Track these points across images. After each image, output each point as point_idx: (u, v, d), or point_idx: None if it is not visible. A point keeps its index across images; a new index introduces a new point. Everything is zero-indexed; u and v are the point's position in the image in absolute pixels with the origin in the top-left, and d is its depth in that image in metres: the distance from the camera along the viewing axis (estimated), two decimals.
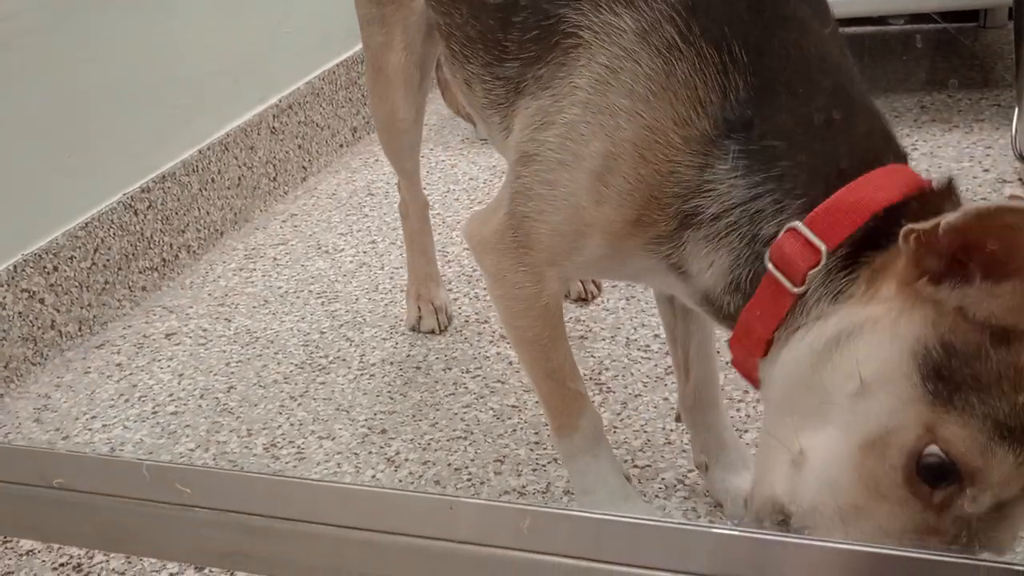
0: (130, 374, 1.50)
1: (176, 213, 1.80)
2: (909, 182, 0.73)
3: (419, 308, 1.51)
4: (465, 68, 1.01)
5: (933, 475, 0.62)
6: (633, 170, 0.79)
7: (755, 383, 0.80)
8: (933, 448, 0.62)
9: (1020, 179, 1.63)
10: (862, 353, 0.67)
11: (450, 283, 1.63)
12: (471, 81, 1.00)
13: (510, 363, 1.40)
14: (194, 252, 1.85)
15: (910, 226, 0.65)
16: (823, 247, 0.71)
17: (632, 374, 1.34)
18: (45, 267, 1.54)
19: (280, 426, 1.33)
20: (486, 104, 0.97)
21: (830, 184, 0.73)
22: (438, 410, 1.32)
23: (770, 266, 0.74)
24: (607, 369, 1.35)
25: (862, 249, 0.71)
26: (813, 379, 0.70)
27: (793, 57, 0.77)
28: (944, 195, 0.73)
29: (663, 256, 0.82)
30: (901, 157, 0.77)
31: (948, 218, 0.62)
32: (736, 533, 0.64)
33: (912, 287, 0.66)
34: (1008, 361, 0.61)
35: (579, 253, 0.86)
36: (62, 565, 1.12)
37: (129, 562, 1.10)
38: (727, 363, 1.31)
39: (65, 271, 1.57)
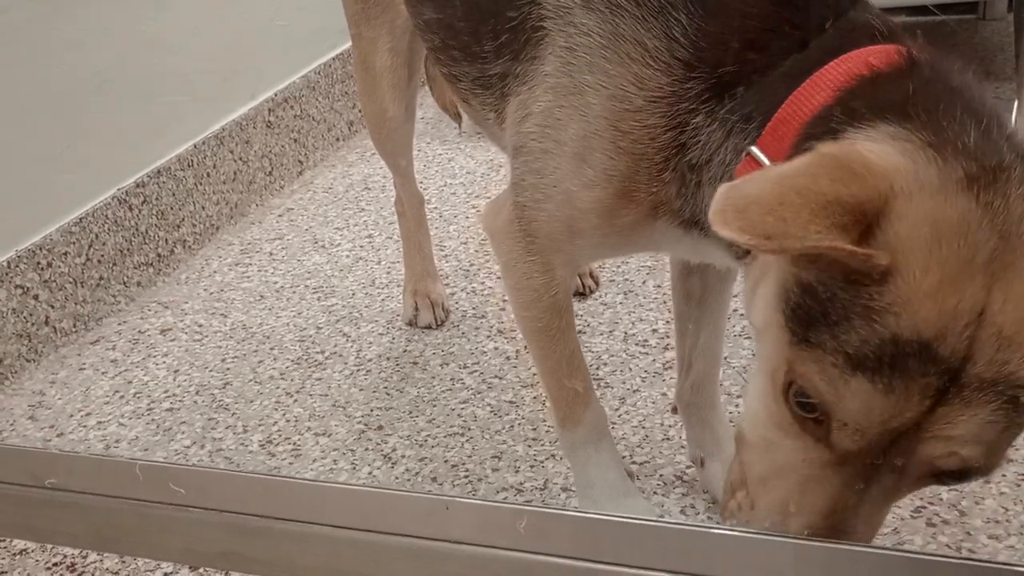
0: (125, 370, 1.49)
1: (171, 208, 1.79)
2: (847, 75, 0.68)
3: (416, 303, 1.51)
4: (459, 87, 1.03)
5: (806, 409, 0.62)
6: (612, 144, 0.79)
7: None
8: (797, 385, 0.62)
9: None
10: (757, 302, 0.67)
11: (447, 278, 1.62)
12: (467, 98, 1.02)
13: (507, 358, 1.39)
14: (189, 247, 1.84)
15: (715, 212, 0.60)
16: (768, 164, 0.70)
17: (630, 369, 1.33)
18: (39, 263, 1.53)
19: (276, 422, 1.32)
20: (484, 114, 0.99)
21: (780, 96, 0.71)
22: (435, 406, 1.31)
23: None
24: (605, 364, 1.35)
25: None
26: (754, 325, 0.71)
27: None
28: (892, 78, 0.67)
29: (672, 219, 0.81)
30: (877, 36, 0.72)
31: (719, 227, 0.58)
32: (734, 533, 0.64)
33: None
34: (855, 298, 0.59)
35: (580, 237, 0.86)
36: (56, 565, 1.11)
37: (123, 562, 1.09)
38: (726, 359, 1.31)
39: (59, 267, 1.56)
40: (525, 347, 1.40)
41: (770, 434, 0.66)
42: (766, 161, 0.70)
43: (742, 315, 1.40)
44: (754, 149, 0.71)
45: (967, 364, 0.57)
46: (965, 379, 0.57)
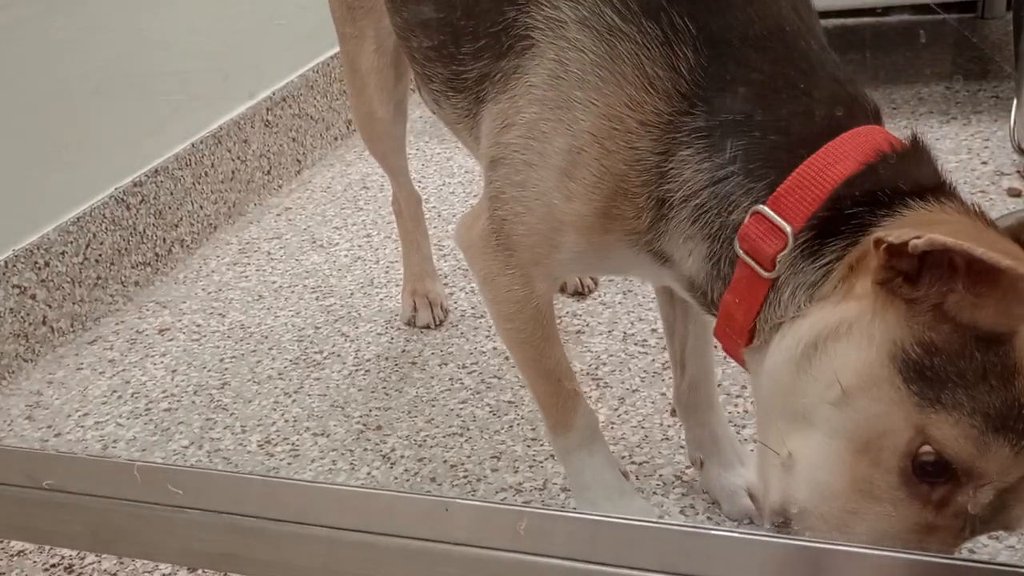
0: (123, 370, 1.49)
1: (169, 207, 1.78)
2: (869, 148, 0.71)
3: (414, 303, 1.50)
4: (431, 88, 1.02)
5: (930, 474, 0.62)
6: (597, 162, 0.79)
7: (746, 367, 0.79)
8: (927, 449, 0.62)
9: (1018, 171, 1.62)
10: (840, 359, 0.66)
11: (446, 277, 1.62)
12: (439, 100, 1.02)
13: (506, 358, 1.39)
14: (187, 246, 1.83)
15: (878, 236, 0.64)
16: (788, 229, 0.70)
17: (629, 369, 1.33)
18: (36, 262, 1.53)
19: (274, 423, 1.32)
20: (455, 119, 0.99)
21: (793, 159, 0.71)
22: (434, 406, 1.31)
23: (740, 252, 0.73)
24: (604, 364, 1.34)
25: (828, 229, 0.70)
26: (795, 385, 0.69)
27: (742, 22, 0.75)
28: (908, 157, 0.71)
29: (643, 247, 0.82)
30: (871, 116, 0.76)
31: (915, 241, 0.61)
32: (733, 535, 0.63)
33: (886, 287, 0.65)
34: (994, 359, 0.61)
35: (558, 251, 0.86)
36: (53, 566, 1.11)
37: (121, 563, 1.09)
38: (725, 358, 1.31)
39: (57, 266, 1.56)
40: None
41: (855, 505, 0.65)
42: (779, 221, 0.70)
43: None
44: (765, 208, 0.71)
45: None
46: None
